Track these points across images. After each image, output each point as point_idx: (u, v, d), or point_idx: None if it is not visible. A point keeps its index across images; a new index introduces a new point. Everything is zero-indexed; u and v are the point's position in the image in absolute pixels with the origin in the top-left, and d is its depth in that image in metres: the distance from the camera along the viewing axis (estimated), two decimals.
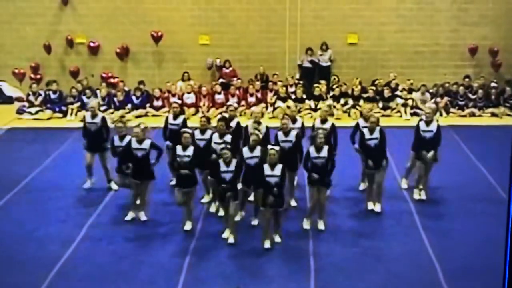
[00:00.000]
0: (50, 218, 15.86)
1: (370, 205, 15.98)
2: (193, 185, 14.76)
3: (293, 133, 15.55)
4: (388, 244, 14.45)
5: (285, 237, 14.42)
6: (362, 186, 17.15)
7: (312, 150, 14.49)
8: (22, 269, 13.25)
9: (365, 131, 15.78)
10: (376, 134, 15.63)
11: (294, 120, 16.29)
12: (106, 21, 27.02)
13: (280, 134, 15.51)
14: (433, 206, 16.34)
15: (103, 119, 17.39)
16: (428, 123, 16.40)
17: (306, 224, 14.94)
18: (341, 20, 26.92)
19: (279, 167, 13.76)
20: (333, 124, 16.46)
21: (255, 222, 15.06)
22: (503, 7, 26.63)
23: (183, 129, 15.19)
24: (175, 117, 17.08)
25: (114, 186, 17.11)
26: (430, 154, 16.19)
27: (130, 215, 15.54)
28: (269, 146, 14.14)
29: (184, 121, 17.03)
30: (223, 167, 13.96)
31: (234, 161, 14.04)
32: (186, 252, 13.92)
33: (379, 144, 15.63)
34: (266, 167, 13.80)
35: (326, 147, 14.50)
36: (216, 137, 15.34)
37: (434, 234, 14.81)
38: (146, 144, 15.23)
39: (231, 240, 14.19)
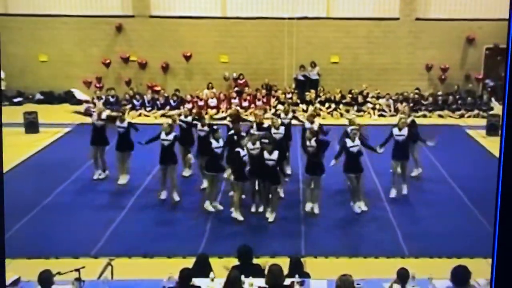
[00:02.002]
0: (108, 190, 15.76)
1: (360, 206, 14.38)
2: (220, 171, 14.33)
3: (282, 128, 15.42)
4: (359, 213, 14.18)
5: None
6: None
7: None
8: (84, 229, 13.17)
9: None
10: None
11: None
12: (151, 44, 26.85)
13: (273, 129, 15.29)
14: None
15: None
16: (400, 129, 15.11)
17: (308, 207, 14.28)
18: (326, 45, 26.70)
19: (276, 153, 13.56)
20: (320, 125, 16.16)
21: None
22: (448, 35, 26.35)
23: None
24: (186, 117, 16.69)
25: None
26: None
27: (163, 194, 15.01)
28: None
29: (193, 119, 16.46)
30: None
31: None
32: (207, 220, 13.82)
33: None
34: (265, 153, 13.58)
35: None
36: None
37: (396, 205, 14.62)
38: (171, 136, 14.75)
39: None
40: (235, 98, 25.28)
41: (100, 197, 15.22)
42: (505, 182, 4.37)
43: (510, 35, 4.47)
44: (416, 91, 25.70)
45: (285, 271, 8.98)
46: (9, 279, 8.87)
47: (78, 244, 12.36)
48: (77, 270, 8.57)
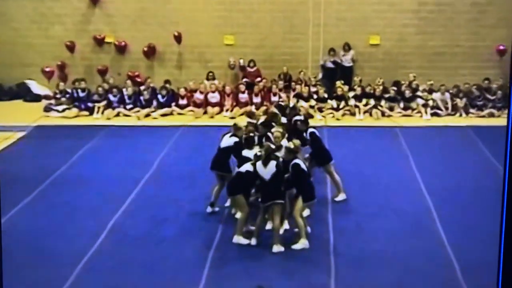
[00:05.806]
0: (78, 212, 15.91)
1: None
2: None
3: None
4: (406, 240, 14.38)
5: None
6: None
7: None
8: (50, 263, 13.36)
9: None
10: None
11: None
12: (134, 21, 27.11)
13: None
14: (452, 204, 16.28)
15: None
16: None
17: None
18: (363, 22, 26.92)
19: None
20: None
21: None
22: None
23: None
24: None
25: None
26: None
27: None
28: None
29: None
30: None
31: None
32: (209, 248, 14.07)
33: None
34: None
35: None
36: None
37: (452, 231, 14.70)
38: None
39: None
40: (243, 92, 25.35)
41: (68, 223, 15.37)
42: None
43: None
44: (486, 82, 25.80)
45: None
46: None
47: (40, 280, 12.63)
48: None
